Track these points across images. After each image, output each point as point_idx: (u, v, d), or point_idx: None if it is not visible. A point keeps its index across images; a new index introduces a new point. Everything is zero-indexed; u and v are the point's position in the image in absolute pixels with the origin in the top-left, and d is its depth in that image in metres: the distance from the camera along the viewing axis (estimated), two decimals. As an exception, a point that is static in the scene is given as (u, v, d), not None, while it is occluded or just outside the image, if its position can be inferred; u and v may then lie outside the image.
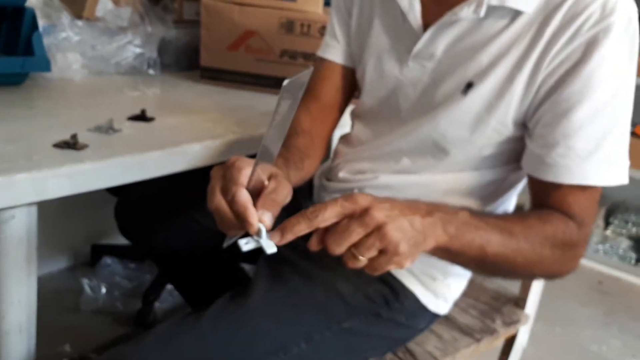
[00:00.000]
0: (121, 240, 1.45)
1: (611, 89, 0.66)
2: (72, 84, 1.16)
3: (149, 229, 1.04)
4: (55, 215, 1.64)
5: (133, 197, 1.08)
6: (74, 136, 0.80)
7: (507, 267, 0.65)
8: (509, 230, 0.64)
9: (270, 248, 0.56)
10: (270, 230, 0.57)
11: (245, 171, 0.58)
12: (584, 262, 2.30)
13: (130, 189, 1.02)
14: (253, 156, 0.60)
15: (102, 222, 1.72)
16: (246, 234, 0.57)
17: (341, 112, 0.94)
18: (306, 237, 0.69)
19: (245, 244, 0.57)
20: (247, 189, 0.57)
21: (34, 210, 0.77)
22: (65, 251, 1.82)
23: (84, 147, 0.79)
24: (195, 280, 1.11)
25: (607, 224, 2.41)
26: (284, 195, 0.60)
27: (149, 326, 1.56)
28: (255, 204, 0.56)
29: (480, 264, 0.64)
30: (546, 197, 0.71)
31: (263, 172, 0.60)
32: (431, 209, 0.59)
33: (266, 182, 0.60)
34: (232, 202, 0.56)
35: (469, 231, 0.61)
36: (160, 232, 1.03)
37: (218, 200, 0.58)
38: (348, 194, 0.55)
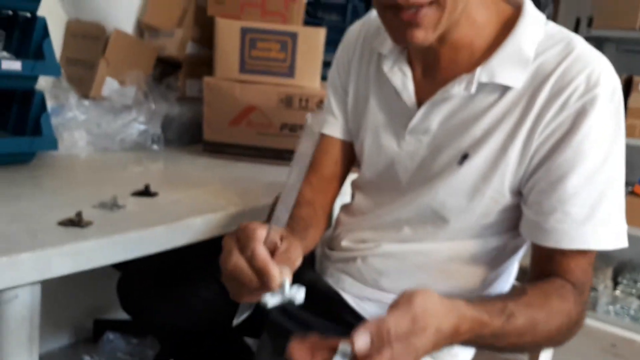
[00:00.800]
0: (124, 315, 1.44)
1: (601, 155, 0.69)
2: (78, 161, 1.19)
3: (151, 304, 1.03)
4: (56, 291, 1.63)
5: (135, 271, 1.08)
6: (78, 214, 0.81)
7: (518, 350, 0.67)
8: (534, 322, 0.65)
9: (299, 297, 0.56)
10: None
11: (260, 230, 0.59)
12: (596, 324, 2.25)
13: (133, 264, 1.02)
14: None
15: (104, 297, 1.71)
16: (256, 306, 0.57)
17: (341, 183, 0.96)
18: (310, 309, 0.70)
19: (272, 298, 0.56)
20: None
21: (37, 289, 0.77)
22: (67, 327, 1.79)
23: (88, 224, 0.80)
24: (197, 356, 1.09)
25: (615, 284, 2.37)
26: (297, 255, 0.61)
27: (150, 405, 1.51)
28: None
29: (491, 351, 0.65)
30: (548, 263, 0.72)
31: (275, 234, 0.61)
32: (464, 337, 0.60)
33: (279, 243, 0.61)
34: (251, 257, 0.57)
35: (485, 340, 0.62)
36: (163, 307, 1.02)
37: (236, 259, 0.58)
38: (405, 330, 0.54)
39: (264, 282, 0.56)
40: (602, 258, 2.44)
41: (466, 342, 0.61)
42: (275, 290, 0.56)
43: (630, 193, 2.22)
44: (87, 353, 1.62)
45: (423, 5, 0.66)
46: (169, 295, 1.01)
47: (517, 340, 0.64)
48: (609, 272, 2.38)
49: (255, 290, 0.58)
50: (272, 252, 0.60)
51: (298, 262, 0.61)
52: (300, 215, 0.82)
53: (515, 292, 0.68)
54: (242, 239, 0.59)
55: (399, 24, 0.68)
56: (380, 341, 0.52)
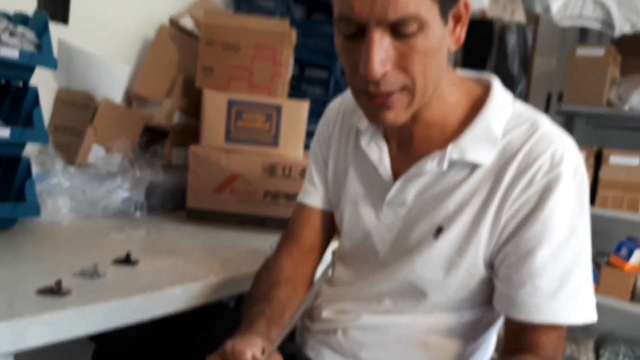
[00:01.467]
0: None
1: (568, 230, 0.72)
2: (60, 227, 1.19)
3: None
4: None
5: (112, 342, 1.05)
6: (58, 282, 0.81)
7: None
8: None
9: None
10: None
11: (247, 354, 0.61)
12: (580, 399, 2.21)
13: (109, 334, 1.00)
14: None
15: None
16: None
17: (322, 253, 0.97)
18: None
19: None
20: None
21: (10, 360, 0.75)
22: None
23: (67, 293, 0.80)
24: None
25: (597, 356, 2.35)
26: None
27: None
28: None
29: None
30: (520, 336, 0.73)
31: (257, 351, 0.63)
32: None
33: None
34: None
35: None
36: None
37: None
38: None
39: None
40: (584, 330, 2.44)
41: None
42: None
43: (606, 264, 2.25)
44: None
45: (394, 91, 0.70)
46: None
47: None
48: (590, 344, 2.37)
49: None
50: None
51: None
52: (278, 296, 0.83)
53: None
54: None
55: (372, 107, 0.73)
56: None
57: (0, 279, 0.83)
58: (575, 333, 2.39)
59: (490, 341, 0.88)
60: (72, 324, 0.75)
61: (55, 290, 0.79)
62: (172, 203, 1.45)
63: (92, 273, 0.89)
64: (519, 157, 0.74)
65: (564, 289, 0.71)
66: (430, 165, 0.78)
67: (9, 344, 0.70)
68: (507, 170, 0.74)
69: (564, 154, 0.73)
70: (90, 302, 0.78)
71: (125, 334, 0.90)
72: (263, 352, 0.63)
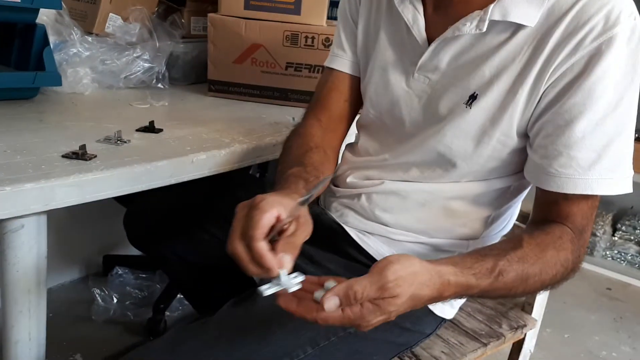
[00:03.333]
0: (133, 251, 1.47)
1: (613, 100, 0.66)
2: (82, 98, 1.19)
3: (157, 238, 1.05)
4: (67, 227, 1.67)
5: (142, 206, 1.10)
6: (82, 147, 0.82)
7: (509, 298, 0.68)
8: (526, 276, 0.66)
9: (293, 287, 0.60)
10: (290, 273, 0.61)
11: (269, 214, 0.60)
12: (592, 268, 2.29)
13: (139, 199, 1.03)
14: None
15: (114, 233, 1.75)
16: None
17: (350, 122, 0.95)
18: (313, 243, 0.71)
19: (267, 289, 0.60)
20: (271, 234, 0.61)
21: (43, 219, 0.78)
22: (77, 262, 1.84)
23: (92, 157, 0.81)
24: (204, 289, 1.12)
25: (614, 230, 2.39)
26: (304, 236, 0.64)
27: (159, 335, 1.57)
28: (275, 247, 0.61)
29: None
30: (551, 207, 0.71)
31: (283, 211, 0.62)
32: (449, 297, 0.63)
33: (287, 225, 0.63)
34: (249, 248, 0.60)
35: (472, 296, 0.66)
36: (169, 241, 1.04)
37: (234, 247, 0.61)
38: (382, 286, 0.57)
39: (262, 270, 0.60)
40: (603, 204, 2.45)
41: (452, 298, 0.64)
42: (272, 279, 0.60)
43: (637, 139, 2.17)
44: (97, 287, 1.67)
45: None
46: (175, 229, 1.03)
47: (507, 292, 0.67)
48: (608, 219, 2.40)
49: (256, 273, 0.61)
50: (282, 232, 0.62)
51: (304, 239, 0.64)
52: (312, 162, 0.82)
53: (510, 245, 0.68)
54: (247, 223, 0.61)
55: None
56: (347, 302, 0.56)
57: (26, 144, 0.85)
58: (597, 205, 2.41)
59: (515, 209, 0.88)
60: (99, 186, 0.77)
61: (80, 155, 0.81)
62: (194, 75, 1.42)
63: (116, 139, 0.89)
64: (568, 17, 0.66)
65: (602, 161, 0.67)
66: (468, 27, 0.72)
67: (39, 204, 0.73)
68: (554, 32, 0.67)
69: (621, 14, 0.65)
70: (116, 166, 0.79)
71: (154, 197, 0.92)
72: (293, 220, 0.64)
